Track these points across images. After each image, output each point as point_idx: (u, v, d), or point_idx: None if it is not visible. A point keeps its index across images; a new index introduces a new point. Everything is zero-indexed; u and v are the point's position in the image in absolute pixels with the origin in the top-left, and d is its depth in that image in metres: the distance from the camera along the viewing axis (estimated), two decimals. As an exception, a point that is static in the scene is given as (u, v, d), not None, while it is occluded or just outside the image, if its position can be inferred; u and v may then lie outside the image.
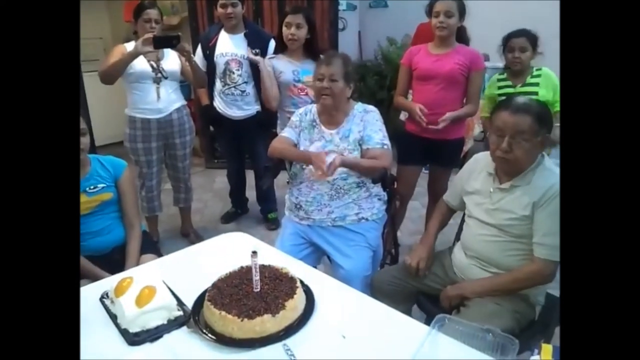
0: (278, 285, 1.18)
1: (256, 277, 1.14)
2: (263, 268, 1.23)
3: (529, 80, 2.53)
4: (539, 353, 0.92)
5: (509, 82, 2.58)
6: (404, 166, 2.58)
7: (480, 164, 1.68)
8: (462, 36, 2.46)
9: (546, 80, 2.51)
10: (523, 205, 1.49)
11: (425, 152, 2.51)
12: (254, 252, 1.14)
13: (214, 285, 1.21)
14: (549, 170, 1.51)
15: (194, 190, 3.91)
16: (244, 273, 1.23)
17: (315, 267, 2.07)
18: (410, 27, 4.37)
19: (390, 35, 5.13)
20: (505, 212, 1.53)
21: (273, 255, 1.52)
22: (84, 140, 1.75)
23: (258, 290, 1.16)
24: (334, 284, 1.40)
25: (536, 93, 2.46)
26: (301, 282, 1.24)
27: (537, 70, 2.55)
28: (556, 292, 1.62)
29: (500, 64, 4.19)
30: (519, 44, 2.48)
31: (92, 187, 1.81)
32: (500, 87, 2.60)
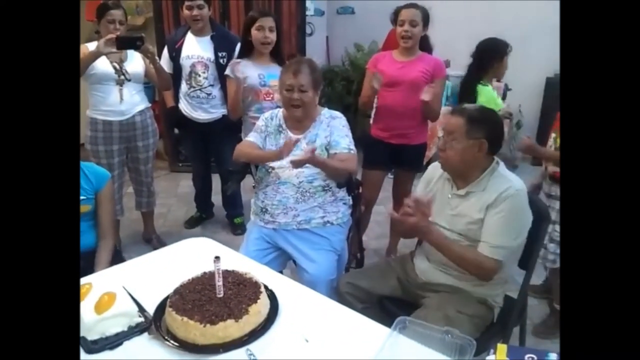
0: (242, 291, 1.17)
1: (219, 282, 1.14)
2: (226, 273, 1.22)
3: None
4: (494, 353, 0.96)
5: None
6: (369, 170, 2.63)
7: (438, 170, 1.73)
8: (425, 45, 2.52)
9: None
10: (478, 209, 1.54)
11: (389, 157, 2.56)
12: (217, 258, 1.13)
13: (176, 291, 1.19)
14: (504, 176, 1.57)
15: (158, 194, 3.82)
16: (206, 279, 1.22)
17: (280, 271, 2.07)
18: (376, 33, 4.45)
19: (357, 41, 5.20)
20: (463, 218, 1.58)
21: (237, 261, 1.51)
22: None
23: (221, 295, 1.15)
24: (298, 288, 1.41)
25: None
26: (265, 286, 1.24)
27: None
28: (514, 294, 1.68)
29: (462, 72, 4.33)
30: None
31: None
32: None
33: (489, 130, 1.55)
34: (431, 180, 1.74)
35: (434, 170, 1.76)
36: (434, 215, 1.69)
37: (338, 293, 1.76)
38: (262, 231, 1.94)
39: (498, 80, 4.28)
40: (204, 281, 1.21)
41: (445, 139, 1.58)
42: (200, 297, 1.15)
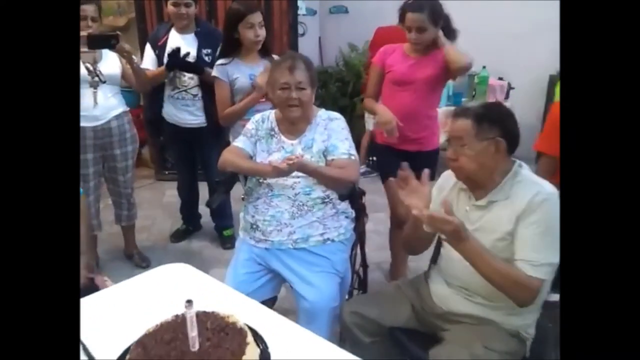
0: (223, 341, 0.91)
1: (193, 333, 0.88)
2: (205, 316, 0.96)
3: None
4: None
5: None
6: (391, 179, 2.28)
7: (451, 180, 1.49)
8: (447, 32, 2.16)
9: None
10: (505, 220, 1.30)
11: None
12: (189, 302, 0.87)
13: (139, 342, 0.93)
14: (529, 180, 1.34)
15: (142, 205, 3.59)
16: (178, 324, 0.95)
17: (275, 297, 1.82)
18: (371, 33, 4.28)
19: (351, 41, 5.04)
20: (488, 233, 1.33)
21: (220, 293, 1.25)
22: None
23: (196, 349, 0.89)
24: (295, 331, 1.13)
25: None
26: (254, 332, 0.98)
27: None
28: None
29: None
30: None
31: None
32: None
33: (502, 126, 1.33)
34: (444, 190, 1.50)
35: (447, 178, 1.52)
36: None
37: (342, 324, 1.51)
38: (252, 251, 1.68)
39: (501, 78, 4.11)
40: (176, 328, 0.94)
41: (453, 147, 1.34)
42: (169, 352, 0.88)
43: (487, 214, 1.36)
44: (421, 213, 1.23)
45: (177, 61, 2.49)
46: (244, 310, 1.08)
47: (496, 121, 1.32)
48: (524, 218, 1.27)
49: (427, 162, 2.23)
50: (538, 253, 1.24)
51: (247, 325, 0.98)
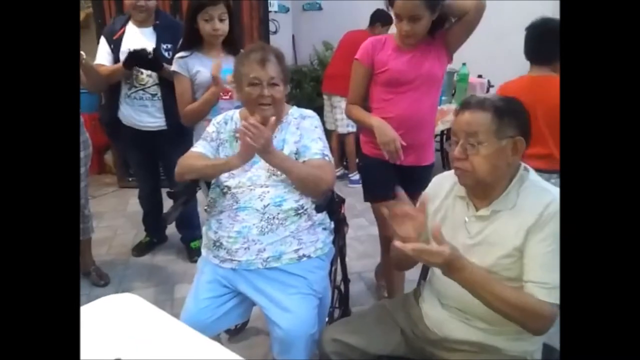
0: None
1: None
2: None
3: None
4: None
5: None
6: (382, 202, 1.88)
7: (445, 186, 1.30)
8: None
9: None
10: (512, 233, 1.12)
11: (395, 181, 1.98)
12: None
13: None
14: (538, 186, 1.17)
15: (104, 214, 3.35)
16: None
17: (246, 322, 1.61)
18: (346, 30, 4.12)
19: (326, 38, 4.91)
20: (491, 248, 1.16)
21: (172, 330, 1.03)
22: None
23: None
24: None
25: None
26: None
27: None
28: (552, 342, 1.27)
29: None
30: None
31: None
32: None
33: (521, 123, 1.16)
34: (435, 199, 1.31)
35: (440, 185, 1.33)
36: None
37: (321, 353, 1.31)
38: (216, 272, 1.46)
39: (480, 76, 4.01)
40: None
41: (463, 144, 1.15)
42: None
43: (489, 226, 1.18)
44: (404, 246, 1.04)
45: (137, 59, 2.25)
46: (199, 352, 0.87)
47: (516, 117, 1.15)
48: (535, 232, 1.09)
49: (422, 178, 1.88)
50: (552, 274, 1.05)
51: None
